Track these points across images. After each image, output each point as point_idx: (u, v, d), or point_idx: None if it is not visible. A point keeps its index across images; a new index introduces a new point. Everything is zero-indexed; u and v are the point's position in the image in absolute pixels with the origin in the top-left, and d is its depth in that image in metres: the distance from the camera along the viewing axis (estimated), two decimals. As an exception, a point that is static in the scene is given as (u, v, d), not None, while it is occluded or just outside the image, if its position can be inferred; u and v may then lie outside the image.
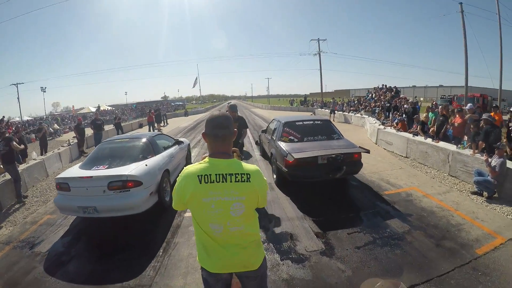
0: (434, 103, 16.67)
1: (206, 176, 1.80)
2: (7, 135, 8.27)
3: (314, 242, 4.49)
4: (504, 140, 7.86)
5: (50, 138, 23.50)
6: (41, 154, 12.50)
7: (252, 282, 2.05)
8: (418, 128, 10.64)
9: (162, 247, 4.66)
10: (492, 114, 8.89)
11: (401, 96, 23.58)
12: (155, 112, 23.50)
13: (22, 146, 8.97)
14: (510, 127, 9.17)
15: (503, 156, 5.95)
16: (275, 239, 4.66)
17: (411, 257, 4.01)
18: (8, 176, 7.52)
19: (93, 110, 48.67)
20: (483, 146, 6.96)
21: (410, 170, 8.19)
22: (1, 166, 7.71)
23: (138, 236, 5.10)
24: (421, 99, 42.18)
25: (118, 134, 18.95)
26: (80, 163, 6.27)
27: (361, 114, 20.50)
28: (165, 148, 7.33)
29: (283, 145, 6.84)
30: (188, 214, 5.64)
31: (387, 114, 18.81)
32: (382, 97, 24.22)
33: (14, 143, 7.86)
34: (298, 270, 3.86)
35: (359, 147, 6.63)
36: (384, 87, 27.58)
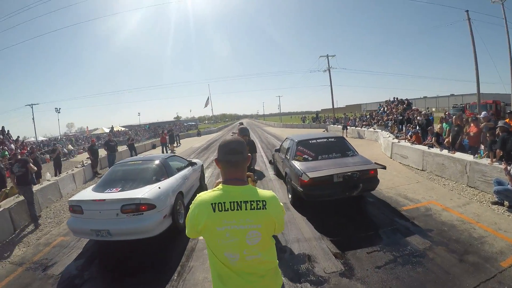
0: (447, 113, 16.47)
1: (220, 204, 1.73)
2: (19, 156, 8.41)
3: (332, 263, 4.40)
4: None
5: (64, 158, 23.95)
6: (55, 175, 12.76)
7: None
8: (433, 140, 10.50)
9: (176, 271, 4.61)
10: (507, 120, 8.75)
11: (413, 108, 23.39)
12: (168, 133, 23.67)
13: (36, 168, 9.06)
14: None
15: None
16: (292, 261, 4.58)
17: (434, 275, 3.89)
18: (21, 197, 7.61)
19: (107, 130, 49.52)
20: (501, 154, 6.81)
21: (427, 183, 8.04)
22: (16, 187, 7.76)
23: (152, 259, 5.06)
24: (433, 109, 41.88)
25: (131, 155, 19.16)
26: (93, 186, 6.31)
27: (374, 129, 20.37)
28: (178, 170, 7.33)
29: (297, 164, 6.81)
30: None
31: (400, 127, 18.65)
32: (394, 110, 24.05)
33: (31, 164, 7.97)
34: (317, 293, 3.79)
35: (375, 163, 6.55)
36: (395, 100, 27.41)
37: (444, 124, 11.60)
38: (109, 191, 5.61)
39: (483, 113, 10.33)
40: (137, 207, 5.12)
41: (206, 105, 66.51)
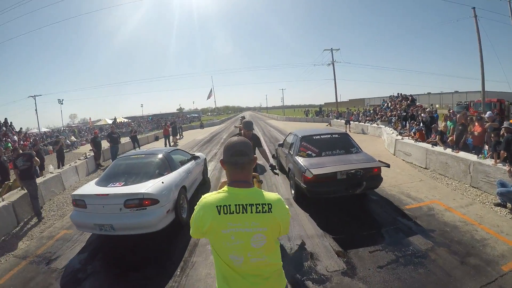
0: (451, 111, 16.41)
1: (225, 207, 1.73)
2: (21, 151, 8.29)
3: (335, 262, 4.42)
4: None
5: (67, 150, 24.00)
6: (58, 167, 12.82)
7: None
8: (437, 138, 10.49)
9: (179, 266, 4.63)
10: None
11: (417, 104, 23.32)
12: (171, 125, 23.66)
13: (39, 162, 9.06)
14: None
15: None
16: (294, 259, 4.62)
17: (435, 276, 3.92)
18: (24, 190, 7.63)
19: (110, 122, 49.53)
20: (505, 156, 6.80)
21: (430, 182, 8.05)
22: (20, 182, 7.69)
23: (155, 254, 5.09)
24: (437, 105, 41.76)
25: (134, 147, 19.30)
26: (96, 179, 6.33)
27: (378, 124, 20.33)
28: (182, 164, 7.34)
29: (301, 160, 6.82)
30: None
31: (404, 123, 18.62)
32: (398, 106, 23.99)
33: (36, 158, 7.99)
34: (319, 292, 3.82)
35: (379, 161, 6.55)
36: (399, 95, 27.33)
37: (448, 122, 11.58)
38: (112, 185, 5.63)
39: (488, 112, 10.28)
40: (140, 202, 5.13)
41: (209, 97, 66.27)
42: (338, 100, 41.49)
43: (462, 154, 8.13)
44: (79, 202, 5.39)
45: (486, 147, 8.78)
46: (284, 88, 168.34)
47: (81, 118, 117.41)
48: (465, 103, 33.63)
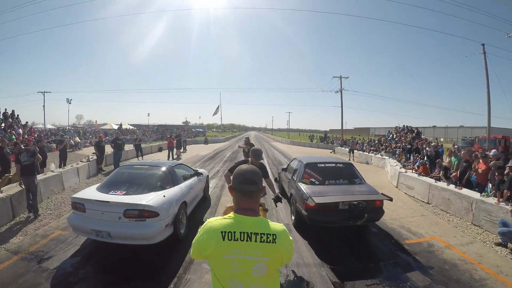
0: (456, 146, 16.39)
1: (230, 234, 1.75)
2: (23, 146, 8.34)
3: (331, 293, 4.37)
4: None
5: (71, 150, 24.15)
6: (60, 166, 12.84)
7: None
8: (441, 174, 10.45)
9: (173, 282, 4.56)
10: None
11: (422, 137, 23.33)
12: (176, 138, 23.75)
13: (41, 159, 8.99)
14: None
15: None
16: (290, 286, 4.57)
17: (432, 315, 3.87)
18: (21, 186, 7.61)
19: (115, 127, 49.76)
20: (508, 195, 6.77)
21: (431, 218, 8.00)
22: (20, 177, 7.60)
23: (149, 267, 5.03)
24: (441, 139, 41.73)
25: (137, 155, 19.32)
26: (97, 185, 6.35)
27: (382, 155, 20.31)
28: (184, 179, 7.37)
29: (304, 187, 6.82)
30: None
31: (408, 156, 18.59)
32: (403, 138, 24.00)
33: (39, 155, 8.00)
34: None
35: (382, 193, 6.55)
36: (405, 127, 27.38)
37: (452, 158, 11.55)
38: (114, 193, 5.65)
39: (493, 151, 10.27)
40: (140, 213, 5.15)
41: (215, 114, 66.60)
42: (344, 128, 41.52)
43: (465, 191, 8.10)
44: (79, 205, 5.41)
45: (490, 185, 8.74)
46: (291, 111, 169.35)
47: (87, 120, 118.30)
48: (470, 138, 33.66)
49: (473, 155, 10.52)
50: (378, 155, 20.67)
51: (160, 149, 27.55)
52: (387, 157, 18.44)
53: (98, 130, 49.58)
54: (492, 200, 7.02)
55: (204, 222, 1.88)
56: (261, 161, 5.20)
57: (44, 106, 51.83)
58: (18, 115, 28.27)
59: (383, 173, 15.99)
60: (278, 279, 1.91)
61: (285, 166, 10.12)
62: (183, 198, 6.48)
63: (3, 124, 23.57)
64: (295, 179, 7.62)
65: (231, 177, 2.02)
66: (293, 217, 7.32)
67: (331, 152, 30.67)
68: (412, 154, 17.97)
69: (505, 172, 7.53)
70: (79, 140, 32.18)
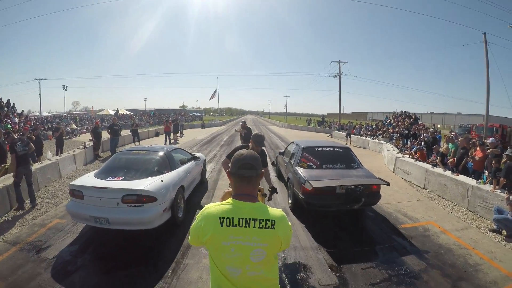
0: (454, 133, 16.42)
1: (228, 219, 1.73)
2: (16, 136, 7.91)
3: (328, 276, 4.43)
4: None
5: (67, 137, 23.96)
6: (56, 154, 12.74)
7: None
8: (437, 160, 10.50)
9: (171, 267, 4.60)
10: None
11: (419, 123, 23.35)
12: (173, 122, 23.67)
13: (34, 147, 8.72)
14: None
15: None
16: (287, 269, 4.62)
17: (427, 298, 3.94)
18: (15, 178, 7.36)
19: (112, 113, 49.54)
20: (504, 183, 6.82)
21: (427, 203, 8.07)
22: (16, 168, 7.16)
23: (147, 252, 5.06)
24: (439, 126, 41.77)
25: (134, 140, 19.27)
26: (95, 171, 6.33)
27: (379, 140, 20.34)
28: (182, 163, 7.38)
29: (301, 171, 6.83)
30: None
31: (405, 141, 18.64)
32: (400, 124, 24.02)
33: (31, 144, 7.87)
34: (311, 305, 3.82)
35: (379, 178, 6.57)
36: (403, 113, 27.37)
37: (450, 144, 11.60)
38: (111, 179, 5.63)
39: (491, 138, 10.29)
40: (138, 199, 5.15)
41: (212, 98, 66.42)
42: (341, 112, 41.43)
43: (461, 177, 8.15)
44: (77, 192, 5.39)
45: (486, 172, 8.79)
46: (288, 95, 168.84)
47: (84, 106, 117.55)
48: (467, 126, 33.72)
49: (470, 142, 10.57)
50: (375, 140, 20.67)
51: (157, 134, 27.45)
52: (384, 142, 18.46)
53: (94, 116, 49.14)
54: (488, 187, 7.07)
55: (201, 206, 1.87)
56: (263, 147, 4.92)
57: (40, 93, 51.10)
58: (13, 104, 28.04)
59: (380, 158, 16.02)
60: (276, 265, 1.91)
61: (282, 150, 10.13)
62: (180, 183, 6.49)
63: None
64: (292, 163, 7.63)
65: (229, 164, 1.99)
66: (290, 201, 7.37)
67: (328, 136, 30.65)
68: (409, 140, 18.04)
69: (503, 161, 7.57)
70: (76, 127, 31.86)
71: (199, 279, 4.30)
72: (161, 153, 6.92)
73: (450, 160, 10.64)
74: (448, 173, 8.69)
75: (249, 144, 4.85)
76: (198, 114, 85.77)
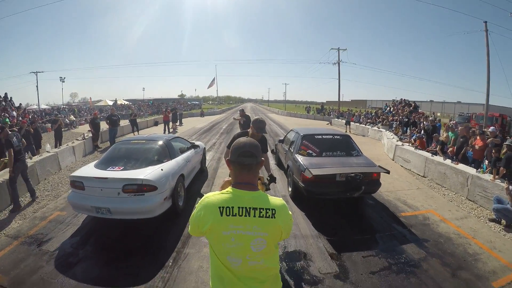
0: (454, 122, 16.39)
1: (228, 209, 1.71)
2: (8, 130, 7.39)
3: (328, 264, 4.45)
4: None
5: (66, 129, 23.91)
6: (55, 146, 12.70)
7: None
8: (437, 148, 10.49)
9: (172, 256, 4.62)
10: (514, 138, 8.71)
11: (419, 111, 23.31)
12: (171, 111, 23.63)
13: (25, 143, 8.38)
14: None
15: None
16: (288, 258, 4.63)
17: (426, 287, 3.95)
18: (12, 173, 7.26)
19: (110, 103, 49.25)
20: (504, 172, 6.82)
21: (427, 191, 8.08)
22: (13, 164, 6.81)
23: (148, 242, 5.08)
24: (438, 114, 41.72)
25: (133, 130, 19.31)
26: (95, 162, 6.33)
27: (378, 128, 20.32)
28: (181, 152, 7.39)
29: (301, 159, 6.82)
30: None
31: (405, 129, 18.62)
32: (400, 112, 23.97)
33: (23, 139, 7.71)
34: (311, 293, 3.83)
35: (379, 166, 6.56)
36: (402, 101, 27.31)
37: (450, 133, 11.57)
38: (112, 169, 5.64)
39: (491, 128, 10.26)
40: (138, 188, 5.16)
41: (210, 86, 66.00)
42: (340, 100, 41.31)
43: (461, 166, 8.14)
44: (77, 183, 5.38)
45: (486, 161, 8.79)
46: (287, 83, 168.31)
47: (82, 97, 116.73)
48: (467, 115, 33.66)
49: (470, 131, 10.55)
50: (375, 128, 20.66)
51: (156, 123, 27.42)
52: (384, 130, 18.43)
53: (93, 107, 48.88)
54: (488, 176, 7.06)
55: (202, 195, 1.85)
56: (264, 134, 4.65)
57: (37, 86, 50.51)
58: (11, 97, 27.94)
59: (379, 146, 16.04)
60: (276, 254, 1.90)
61: (282, 138, 10.10)
62: (180, 171, 6.49)
63: None
64: (292, 150, 7.61)
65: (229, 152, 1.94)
66: (290, 189, 7.37)
67: (327, 124, 30.66)
68: (409, 128, 18.01)
69: (503, 151, 7.55)
70: (74, 119, 31.73)
71: (200, 268, 4.31)
72: (160, 142, 6.93)
73: (450, 149, 10.63)
74: (448, 161, 8.69)
75: (249, 130, 4.64)
76: (197, 102, 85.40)
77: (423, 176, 9.55)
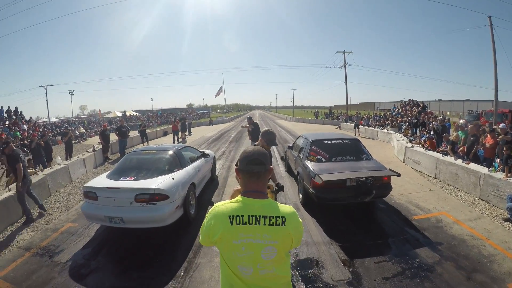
0: (464, 121, 16.21)
1: (238, 217, 1.70)
2: (6, 151, 7.17)
3: (340, 271, 4.42)
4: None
5: (76, 141, 24.27)
6: (66, 159, 12.87)
7: None
8: (448, 148, 10.39)
9: (183, 267, 4.64)
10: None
11: (428, 111, 23.11)
12: (180, 121, 23.80)
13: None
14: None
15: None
16: (300, 265, 4.62)
17: (441, 292, 3.91)
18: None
19: (119, 115, 49.83)
20: (516, 170, 6.73)
21: (439, 193, 7.99)
22: (20, 178, 6.70)
23: (159, 252, 5.11)
24: (447, 113, 41.35)
25: (142, 141, 19.37)
26: (107, 173, 6.46)
27: (388, 130, 20.20)
28: (191, 161, 7.47)
29: (310, 164, 6.80)
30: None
31: (414, 130, 18.47)
32: (408, 113, 23.79)
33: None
34: (324, 301, 3.81)
35: (389, 169, 6.52)
36: (410, 102, 27.11)
37: (459, 132, 11.46)
38: (124, 179, 5.76)
39: (502, 124, 10.14)
40: (151, 197, 5.26)
41: (217, 94, 66.30)
42: (348, 103, 41.14)
43: (472, 165, 8.05)
44: (91, 194, 5.52)
45: (497, 159, 8.67)
46: (295, 88, 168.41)
47: (91, 110, 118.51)
48: (476, 112, 33.31)
49: (480, 129, 10.43)
50: (384, 130, 20.56)
51: (165, 133, 27.67)
52: (393, 132, 18.31)
53: (102, 119, 49.69)
54: (500, 175, 6.97)
55: (212, 203, 1.86)
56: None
57: (47, 99, 51.54)
58: (21, 111, 28.35)
59: (389, 148, 15.95)
60: (288, 262, 1.89)
61: (291, 144, 10.10)
62: (191, 180, 6.57)
63: (7, 122, 23.59)
64: (301, 156, 7.60)
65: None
66: (300, 195, 7.34)
67: (336, 128, 30.56)
68: (418, 129, 17.85)
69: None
70: (84, 131, 32.10)
71: (212, 278, 4.32)
72: (171, 152, 7.03)
73: (461, 148, 10.52)
74: (459, 161, 8.59)
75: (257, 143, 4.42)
76: (205, 111, 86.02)
77: (435, 178, 9.46)
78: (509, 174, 6.73)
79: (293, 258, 4.76)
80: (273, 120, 59.17)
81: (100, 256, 5.13)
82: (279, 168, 10.95)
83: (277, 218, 1.73)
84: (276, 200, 4.43)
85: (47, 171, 9.23)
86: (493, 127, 11.92)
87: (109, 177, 6.07)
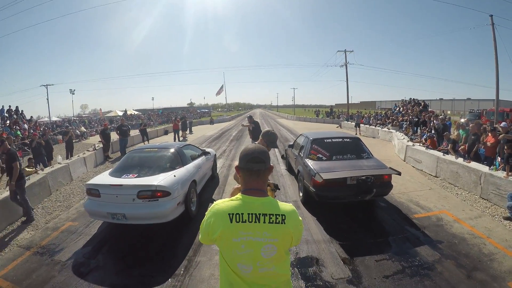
0: (465, 119, 16.19)
1: (237, 215, 1.69)
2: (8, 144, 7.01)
3: (340, 269, 4.42)
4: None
5: (77, 140, 24.34)
6: (67, 158, 12.88)
7: None
8: (449, 147, 10.38)
9: (183, 265, 4.64)
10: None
11: (429, 110, 23.08)
12: (181, 120, 23.84)
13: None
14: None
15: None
16: (300, 263, 4.61)
17: (441, 290, 3.90)
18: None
19: (120, 114, 49.86)
20: (517, 169, 6.72)
21: (440, 191, 7.98)
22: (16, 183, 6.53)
23: (159, 250, 5.12)
24: (448, 112, 41.29)
25: (143, 140, 19.47)
26: (109, 170, 6.53)
27: (389, 129, 20.18)
28: (193, 159, 7.55)
29: (311, 163, 6.80)
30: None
31: (415, 129, 18.46)
32: (409, 111, 23.76)
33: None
34: (324, 299, 3.81)
35: (390, 168, 6.52)
36: (411, 100, 27.07)
37: (460, 131, 11.44)
38: (126, 176, 5.83)
39: (503, 123, 10.12)
40: (153, 194, 5.33)
41: (218, 93, 66.35)
42: (349, 102, 41.08)
43: (473, 164, 8.04)
44: (93, 191, 5.58)
45: (498, 158, 8.66)
46: (296, 87, 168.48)
47: (92, 109, 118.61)
48: (477, 111, 33.25)
49: (481, 128, 10.41)
50: (385, 129, 20.54)
51: (166, 132, 27.78)
52: (394, 131, 18.29)
53: (103, 118, 49.79)
54: (501, 173, 6.96)
55: (213, 201, 1.85)
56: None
57: (47, 99, 51.49)
58: (22, 110, 28.34)
59: (390, 147, 15.92)
60: (288, 260, 1.88)
61: (291, 143, 10.10)
62: (192, 177, 6.63)
63: (8, 121, 23.63)
64: (302, 155, 7.60)
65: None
66: (301, 194, 7.35)
67: (337, 127, 30.59)
68: (419, 127, 17.85)
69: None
70: (85, 130, 32.15)
71: (211, 276, 4.32)
72: (172, 150, 7.12)
73: (462, 147, 10.50)
74: (460, 160, 8.58)
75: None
76: (206, 110, 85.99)
77: (435, 176, 9.44)
78: (510, 173, 6.72)
79: (293, 256, 4.76)
80: (274, 119, 59.20)
81: (100, 254, 5.15)
82: (279, 167, 10.95)
83: (277, 216, 1.72)
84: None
85: (48, 170, 9.24)
86: (494, 126, 11.89)
87: (111, 174, 6.13)
